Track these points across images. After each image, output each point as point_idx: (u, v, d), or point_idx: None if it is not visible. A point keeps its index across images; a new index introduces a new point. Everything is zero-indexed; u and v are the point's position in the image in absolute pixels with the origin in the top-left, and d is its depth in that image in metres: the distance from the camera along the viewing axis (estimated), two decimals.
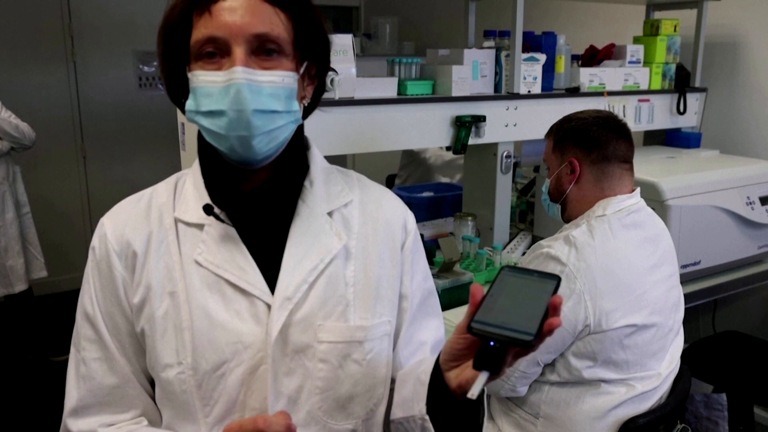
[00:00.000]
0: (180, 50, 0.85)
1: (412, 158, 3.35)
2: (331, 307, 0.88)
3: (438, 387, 0.79)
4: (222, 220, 0.87)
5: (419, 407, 0.84)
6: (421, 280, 0.99)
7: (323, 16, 0.90)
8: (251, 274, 0.86)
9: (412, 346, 0.97)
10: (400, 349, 0.96)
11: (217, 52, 0.81)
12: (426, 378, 0.83)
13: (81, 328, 0.91)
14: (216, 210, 0.87)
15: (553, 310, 0.68)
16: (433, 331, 1.00)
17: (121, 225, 0.90)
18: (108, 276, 0.89)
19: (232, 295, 0.86)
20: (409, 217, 1.01)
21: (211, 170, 0.91)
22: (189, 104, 0.84)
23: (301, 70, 0.87)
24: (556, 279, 0.73)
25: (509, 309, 0.70)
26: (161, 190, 0.94)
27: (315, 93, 0.93)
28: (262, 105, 0.81)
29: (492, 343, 0.67)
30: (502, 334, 0.67)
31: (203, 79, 0.82)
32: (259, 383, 0.86)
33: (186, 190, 0.92)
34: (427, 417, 0.83)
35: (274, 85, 0.82)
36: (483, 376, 0.68)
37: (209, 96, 0.81)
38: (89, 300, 0.90)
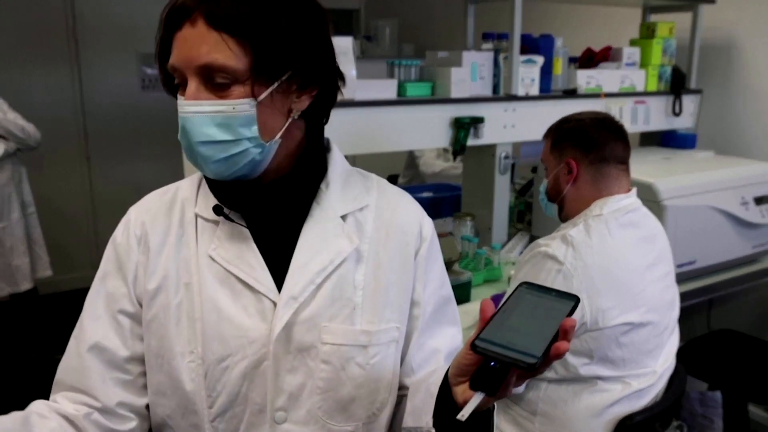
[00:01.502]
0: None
1: (413, 161, 3.43)
2: (337, 309, 0.89)
3: (446, 400, 0.77)
4: (232, 220, 0.89)
5: (426, 419, 0.82)
6: (436, 287, 0.98)
7: (313, 19, 0.84)
8: (259, 272, 0.88)
9: (424, 353, 0.96)
10: (413, 356, 0.95)
11: (182, 81, 0.82)
12: (435, 390, 0.81)
13: (88, 309, 0.93)
14: (225, 210, 0.89)
15: (563, 333, 0.65)
16: (448, 339, 0.98)
17: (143, 214, 0.94)
18: (125, 260, 0.92)
19: (240, 291, 0.88)
20: (426, 222, 0.98)
21: None
22: None
23: (270, 89, 0.82)
24: (574, 299, 0.69)
25: (518, 328, 0.67)
26: (186, 185, 0.97)
27: (319, 98, 0.88)
28: (207, 137, 0.81)
29: (492, 364, 0.65)
30: (504, 354, 0.64)
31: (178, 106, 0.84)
32: (260, 378, 0.87)
33: (205, 187, 0.94)
34: (433, 430, 0.81)
35: (224, 114, 0.80)
36: (477, 397, 0.66)
37: None
38: (101, 280, 0.93)
